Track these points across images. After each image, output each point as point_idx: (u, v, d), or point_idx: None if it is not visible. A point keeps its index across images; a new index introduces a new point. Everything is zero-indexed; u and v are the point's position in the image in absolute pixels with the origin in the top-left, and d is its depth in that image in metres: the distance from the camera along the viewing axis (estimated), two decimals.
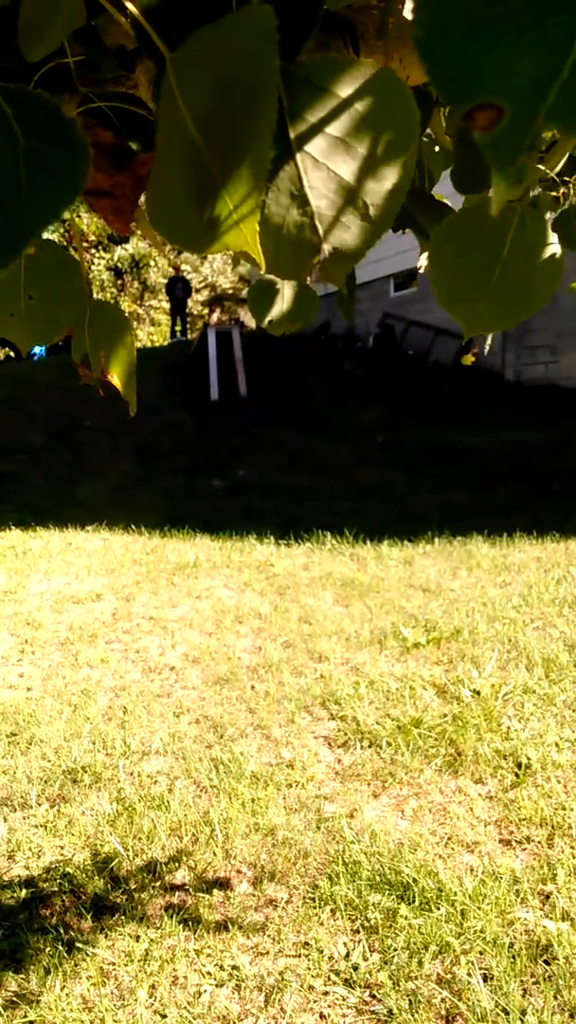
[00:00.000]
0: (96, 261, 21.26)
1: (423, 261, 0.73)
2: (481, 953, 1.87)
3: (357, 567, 5.07)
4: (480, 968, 1.83)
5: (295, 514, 6.44)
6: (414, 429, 9.06)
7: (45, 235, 0.52)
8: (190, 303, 19.38)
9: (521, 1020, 1.69)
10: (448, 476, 7.30)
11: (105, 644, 4.00)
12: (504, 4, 0.29)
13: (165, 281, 19.58)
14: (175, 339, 16.96)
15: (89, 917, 2.07)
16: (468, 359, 2.13)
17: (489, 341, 2.38)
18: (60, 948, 1.96)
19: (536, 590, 4.36)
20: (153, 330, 22.97)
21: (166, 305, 20.29)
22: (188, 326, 18.69)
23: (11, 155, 0.42)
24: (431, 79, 0.30)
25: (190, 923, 2.04)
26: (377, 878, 2.14)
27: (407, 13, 0.66)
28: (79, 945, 1.97)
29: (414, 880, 2.10)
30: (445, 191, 1.02)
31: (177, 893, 2.17)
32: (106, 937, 2.00)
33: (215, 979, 1.86)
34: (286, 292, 0.87)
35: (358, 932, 1.98)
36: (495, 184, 0.31)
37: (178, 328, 17.50)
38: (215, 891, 2.16)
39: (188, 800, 2.57)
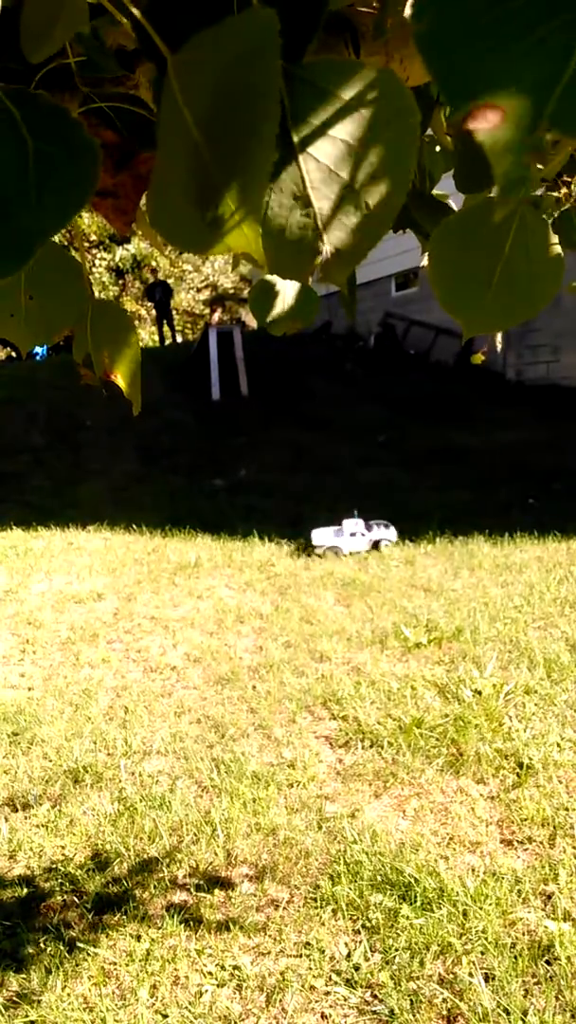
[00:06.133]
0: (97, 262, 21.25)
1: (427, 260, 0.73)
2: (483, 953, 1.87)
3: (358, 567, 5.06)
4: (482, 968, 1.83)
5: (296, 514, 6.43)
6: (415, 428, 9.05)
7: None
8: (191, 302, 19.29)
9: (523, 1020, 1.69)
10: (449, 476, 7.29)
11: (106, 644, 4.00)
12: (506, 3, 0.29)
13: None
14: (163, 346, 16.76)
15: (90, 917, 2.08)
16: (478, 358, 2.09)
17: (500, 341, 2.35)
18: (61, 948, 1.97)
19: (537, 590, 4.35)
20: (154, 330, 22.96)
21: None
22: (178, 328, 18.40)
23: (20, 158, 0.42)
24: (433, 76, 0.30)
25: (191, 923, 2.04)
26: (379, 878, 2.14)
27: (407, 13, 0.66)
28: (80, 945, 1.97)
29: (416, 880, 2.10)
30: (446, 191, 1.02)
31: (178, 893, 2.17)
32: (107, 937, 2.00)
33: (216, 979, 1.86)
34: (287, 292, 0.87)
35: (359, 932, 1.98)
36: (497, 186, 0.31)
37: (167, 331, 17.26)
38: (216, 891, 2.16)
39: (189, 800, 2.57)
